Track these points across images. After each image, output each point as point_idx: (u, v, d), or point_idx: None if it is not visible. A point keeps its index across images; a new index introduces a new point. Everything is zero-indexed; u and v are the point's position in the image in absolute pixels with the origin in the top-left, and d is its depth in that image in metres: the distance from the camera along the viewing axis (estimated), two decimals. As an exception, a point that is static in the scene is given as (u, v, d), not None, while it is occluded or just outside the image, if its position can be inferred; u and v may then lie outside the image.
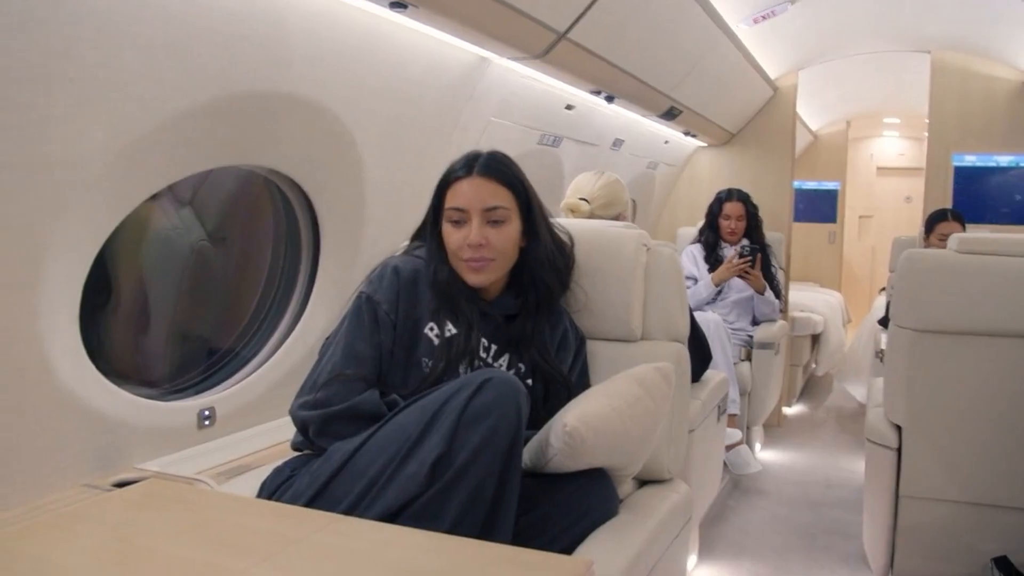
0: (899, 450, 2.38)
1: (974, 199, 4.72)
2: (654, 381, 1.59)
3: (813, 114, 6.77)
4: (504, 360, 1.70)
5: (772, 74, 4.69)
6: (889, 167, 8.72)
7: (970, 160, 4.73)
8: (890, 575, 2.49)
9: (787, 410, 5.31)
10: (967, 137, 4.71)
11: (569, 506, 1.47)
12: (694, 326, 2.66)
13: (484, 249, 1.65)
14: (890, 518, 2.42)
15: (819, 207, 7.37)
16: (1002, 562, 2.22)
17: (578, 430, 1.43)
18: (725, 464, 3.64)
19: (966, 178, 4.74)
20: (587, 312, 1.90)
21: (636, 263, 1.91)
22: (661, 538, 1.62)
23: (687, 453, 2.25)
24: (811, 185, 7.38)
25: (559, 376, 1.70)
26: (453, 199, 1.67)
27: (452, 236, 1.67)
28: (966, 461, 2.31)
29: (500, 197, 1.67)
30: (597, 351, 1.88)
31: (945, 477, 2.33)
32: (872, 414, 2.51)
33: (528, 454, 1.49)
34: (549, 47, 2.44)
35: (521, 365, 1.70)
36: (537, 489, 1.47)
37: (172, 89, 1.58)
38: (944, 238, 3.63)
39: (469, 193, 1.66)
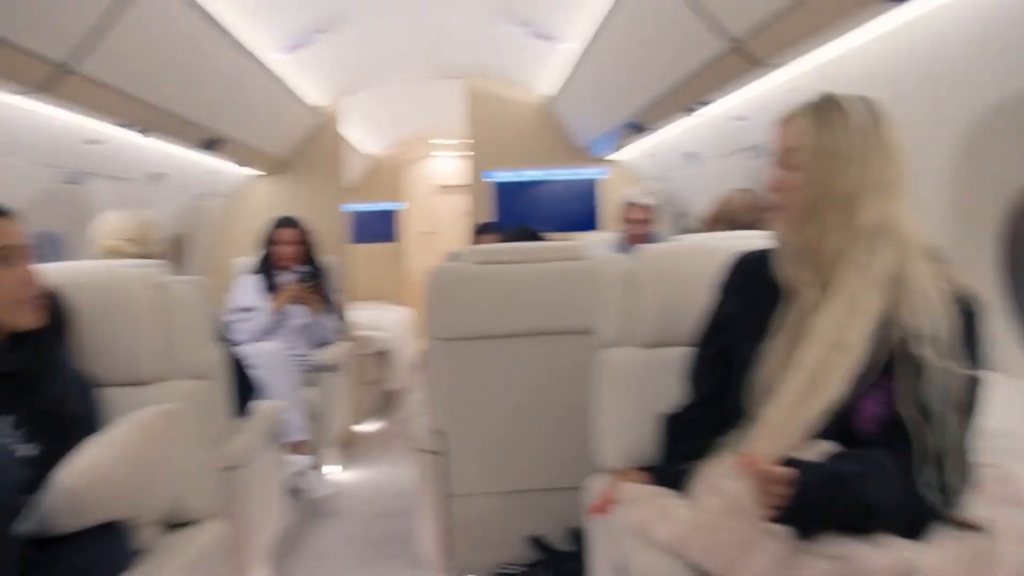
0: (444, 454, 2.66)
1: (514, 210, 5.38)
2: (154, 423, 1.60)
3: (369, 138, 7.16)
4: (9, 421, 1.62)
5: (317, 101, 4.90)
6: (448, 185, 9.50)
7: (507, 176, 5.38)
8: (450, 572, 2.75)
9: (360, 428, 5.56)
10: (502, 155, 5.36)
11: (77, 567, 1.43)
12: (236, 358, 2.73)
13: (35, 285, 1.64)
14: (444, 518, 2.69)
15: (381, 228, 7.81)
16: (536, 539, 2.60)
17: (73, 486, 1.41)
18: (299, 490, 3.74)
19: (505, 192, 5.39)
20: (96, 357, 1.87)
21: (142, 302, 1.91)
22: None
23: (236, 489, 2.29)
24: (375, 207, 7.80)
25: (74, 431, 1.66)
26: None
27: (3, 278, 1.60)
28: (500, 455, 2.65)
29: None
30: (112, 398, 1.83)
31: (486, 472, 2.65)
32: (418, 423, 2.78)
33: (31, 520, 1.42)
34: (49, 80, 2.35)
35: (26, 427, 1.63)
36: (42, 555, 1.41)
37: None
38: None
39: (6, 232, 1.62)
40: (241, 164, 4.60)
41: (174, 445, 1.64)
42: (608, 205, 5.36)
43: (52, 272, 1.89)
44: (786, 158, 1.52)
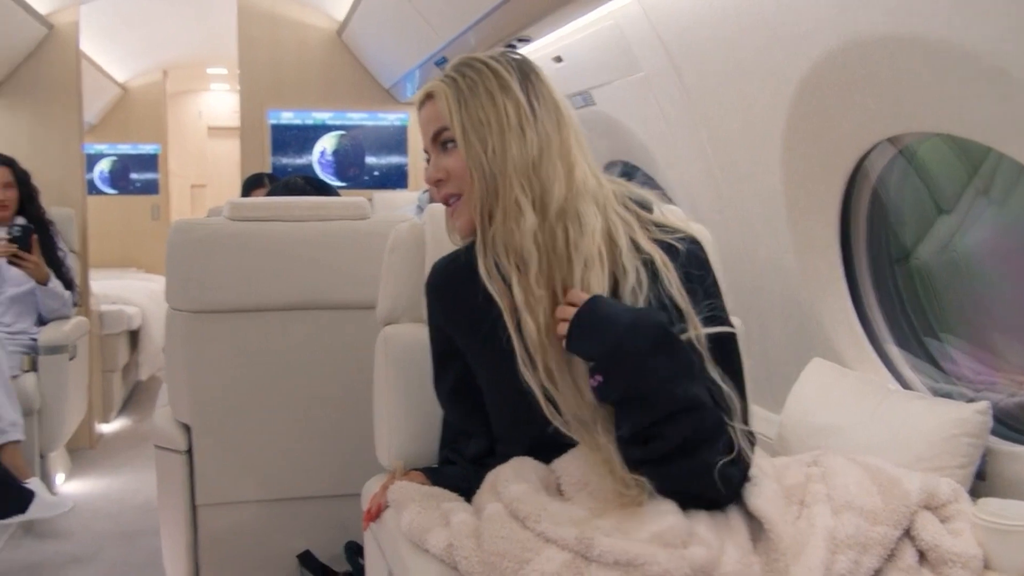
0: (189, 452, 2.59)
1: (298, 161, 5.28)
2: None
3: (117, 61, 6.81)
4: None
5: (44, 7, 4.63)
6: (223, 127, 9.19)
7: (288, 118, 5.27)
8: None
9: (104, 427, 5.38)
10: (284, 92, 5.24)
11: None
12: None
13: None
14: (188, 532, 2.62)
15: (136, 176, 7.50)
16: (305, 556, 2.58)
17: None
18: (17, 507, 3.56)
19: (287, 137, 5.28)
20: None
21: None
22: None
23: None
24: (124, 149, 7.47)
25: None
26: None
27: None
28: (260, 455, 2.60)
29: None
30: None
31: (241, 476, 2.60)
32: (158, 415, 2.69)
33: None
34: None
35: None
36: None
37: None
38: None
39: None
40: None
41: None
42: (416, 159, 5.36)
43: None
44: (439, 141, 1.60)
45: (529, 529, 1.42)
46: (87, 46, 5.17)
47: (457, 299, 1.67)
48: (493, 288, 1.56)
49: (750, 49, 2.17)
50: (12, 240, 3.97)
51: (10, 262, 3.96)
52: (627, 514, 1.42)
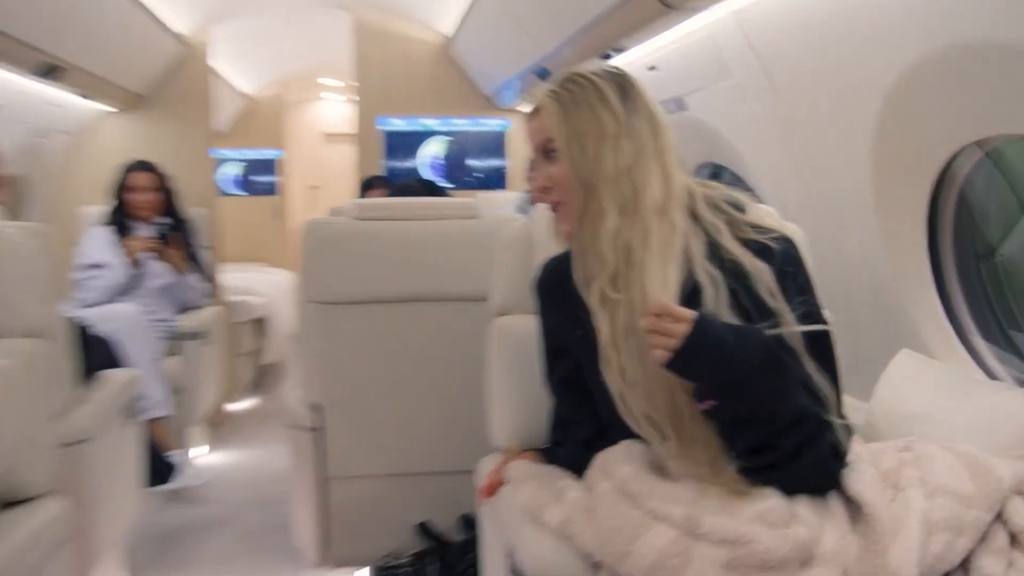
0: (320, 430, 2.64)
1: (407, 164, 5.33)
2: None
3: (244, 75, 6.97)
4: None
5: (180, 29, 4.75)
6: (337, 133, 9.34)
7: (398, 124, 5.32)
8: (328, 562, 2.75)
9: (232, 406, 5.50)
10: (394, 100, 5.29)
11: None
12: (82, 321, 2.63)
13: None
14: (319, 503, 2.67)
15: (259, 178, 7.66)
16: (424, 527, 2.61)
17: None
18: (164, 476, 3.68)
19: (398, 143, 5.33)
20: None
21: None
22: (20, 566, 1.61)
23: (81, 467, 2.25)
24: (249, 154, 7.63)
25: None
26: None
27: None
28: (385, 433, 2.64)
29: None
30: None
31: (367, 452, 2.64)
32: (291, 397, 2.75)
33: None
34: None
35: None
36: None
37: None
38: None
39: None
40: (91, 98, 4.41)
41: (5, 407, 1.58)
42: (515, 161, 5.36)
43: None
44: (544, 151, 1.61)
45: (639, 507, 1.42)
46: (219, 63, 5.29)
47: (562, 297, 1.67)
48: (581, 288, 1.58)
49: (841, 55, 2.12)
50: (156, 237, 4.10)
51: (154, 257, 4.09)
52: (731, 495, 1.41)
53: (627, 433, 1.57)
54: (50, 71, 3.60)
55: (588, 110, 1.54)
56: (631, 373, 1.51)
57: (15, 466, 1.78)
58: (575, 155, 1.54)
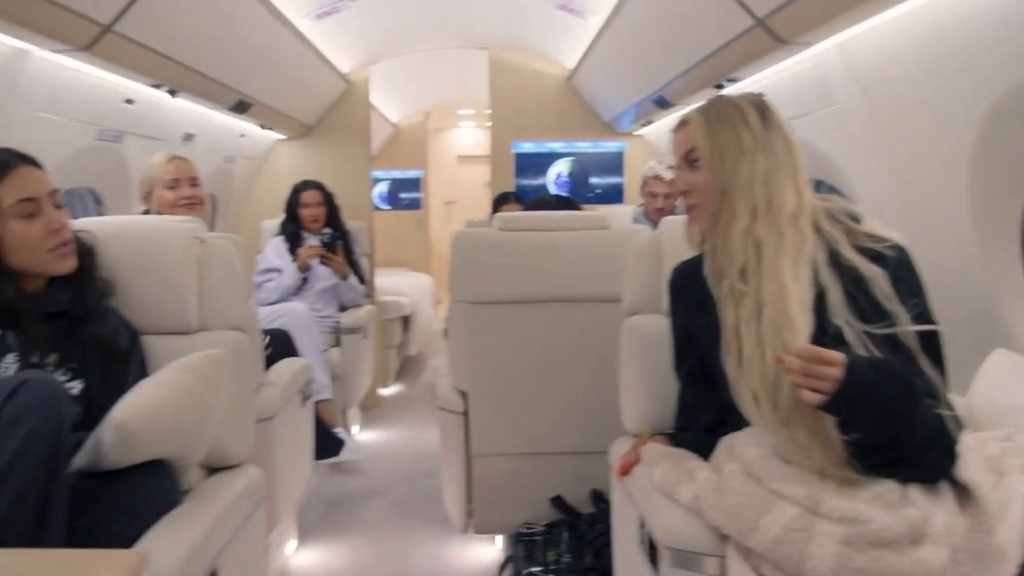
0: (466, 414, 2.72)
1: (535, 182, 5.39)
2: (204, 368, 1.66)
3: (393, 106, 7.17)
4: (52, 360, 1.69)
5: (344, 68, 4.92)
6: (469, 155, 9.55)
7: (527, 147, 5.39)
8: (470, 530, 2.82)
9: (383, 391, 5.64)
10: (524, 126, 5.36)
11: (127, 502, 1.49)
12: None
13: (66, 231, 1.69)
14: (464, 477, 2.75)
15: (404, 195, 7.86)
16: (557, 500, 2.65)
17: (127, 423, 1.47)
18: (331, 450, 3.84)
19: (526, 163, 5.40)
20: (141, 307, 1.93)
21: (188, 256, 1.97)
22: (228, 522, 1.70)
23: (267, 440, 2.37)
24: (395, 174, 7.84)
25: (114, 373, 1.73)
26: (16, 191, 1.64)
27: (31, 228, 1.64)
28: (522, 417, 2.69)
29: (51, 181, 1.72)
30: (156, 345, 1.91)
31: (506, 433, 2.70)
32: (442, 384, 2.83)
33: (83, 454, 1.50)
34: (93, 40, 2.39)
35: (72, 363, 1.70)
36: (94, 488, 1.48)
37: None
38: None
39: (33, 181, 1.66)
40: (269, 128, 4.63)
41: (221, 389, 1.70)
42: (631, 179, 5.37)
43: (95, 226, 1.95)
44: (688, 159, 1.66)
45: (764, 487, 1.43)
46: (373, 96, 5.45)
47: (692, 294, 1.70)
48: (711, 282, 1.61)
49: (938, 82, 2.07)
50: (322, 245, 4.28)
51: (321, 262, 4.27)
52: (848, 478, 1.41)
53: (745, 420, 1.58)
54: (240, 106, 3.80)
55: (731, 127, 1.59)
56: (748, 359, 1.52)
57: (224, 438, 1.88)
58: (715, 165, 1.59)
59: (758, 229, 1.54)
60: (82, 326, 1.74)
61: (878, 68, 2.31)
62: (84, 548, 1.38)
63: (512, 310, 2.66)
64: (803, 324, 1.47)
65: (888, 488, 1.37)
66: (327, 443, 3.77)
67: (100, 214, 3.28)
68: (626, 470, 1.83)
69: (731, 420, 1.64)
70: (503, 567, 2.53)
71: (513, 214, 2.78)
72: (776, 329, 1.48)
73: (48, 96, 2.59)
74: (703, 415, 1.77)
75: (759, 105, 1.62)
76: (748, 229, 1.55)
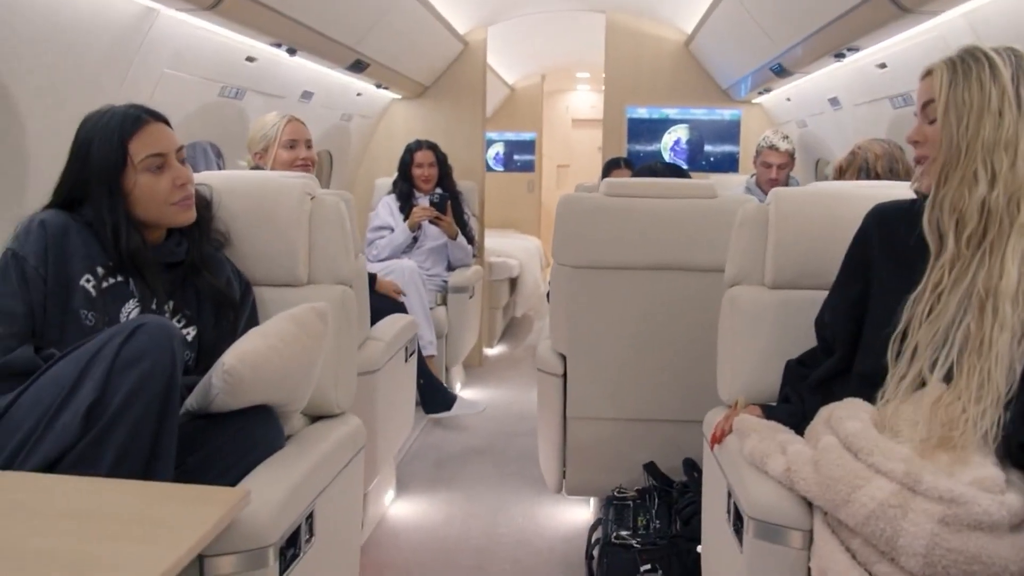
0: (564, 376, 2.73)
1: (648, 147, 5.32)
2: (309, 319, 1.71)
3: (508, 68, 7.17)
4: (168, 307, 1.78)
5: (461, 29, 4.94)
6: (583, 119, 9.47)
7: (641, 112, 5.31)
8: (563, 490, 2.85)
9: (488, 351, 5.71)
10: (638, 91, 5.28)
11: (234, 442, 1.57)
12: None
13: (190, 186, 1.78)
14: (560, 439, 2.77)
15: (518, 157, 7.88)
16: (650, 467, 2.64)
17: (236, 368, 1.54)
18: (443, 405, 3.91)
19: (640, 128, 5.32)
20: (254, 259, 2.00)
21: (300, 211, 2.03)
22: (327, 467, 1.76)
23: (370, 392, 2.44)
24: (510, 136, 7.85)
25: (226, 321, 1.82)
26: (147, 146, 1.72)
27: (159, 182, 1.73)
28: (619, 382, 2.69)
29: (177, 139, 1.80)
30: (267, 296, 1.99)
31: (603, 398, 2.70)
32: (542, 346, 2.85)
33: (194, 396, 1.58)
34: (218, -1, 2.48)
35: (187, 311, 1.80)
36: (203, 429, 1.56)
37: None
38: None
39: (163, 137, 1.74)
40: (381, 87, 4.70)
41: (324, 341, 1.75)
42: (746, 148, 5.22)
43: (213, 179, 2.04)
44: (926, 110, 1.55)
45: (861, 461, 1.39)
46: (489, 57, 5.45)
47: (892, 233, 1.63)
48: (930, 237, 1.53)
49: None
50: (433, 205, 4.35)
51: (431, 222, 4.34)
52: (951, 459, 1.35)
53: (857, 390, 1.56)
54: (358, 66, 3.87)
55: (977, 83, 1.47)
56: (934, 318, 1.47)
57: (327, 388, 1.95)
58: (950, 122, 1.49)
59: (994, 199, 1.46)
60: (197, 276, 1.82)
61: (1009, 40, 2.17)
62: (191, 483, 1.45)
63: (614, 275, 2.64)
64: (1008, 319, 1.41)
65: (991, 473, 1.31)
66: (439, 398, 3.85)
67: (220, 167, 3.41)
68: (718, 440, 1.81)
69: (847, 385, 1.60)
70: (593, 529, 2.54)
71: (620, 180, 2.75)
72: (980, 312, 1.43)
73: (174, 53, 2.70)
74: (818, 371, 1.72)
75: (1018, 60, 1.49)
76: (984, 198, 1.46)
